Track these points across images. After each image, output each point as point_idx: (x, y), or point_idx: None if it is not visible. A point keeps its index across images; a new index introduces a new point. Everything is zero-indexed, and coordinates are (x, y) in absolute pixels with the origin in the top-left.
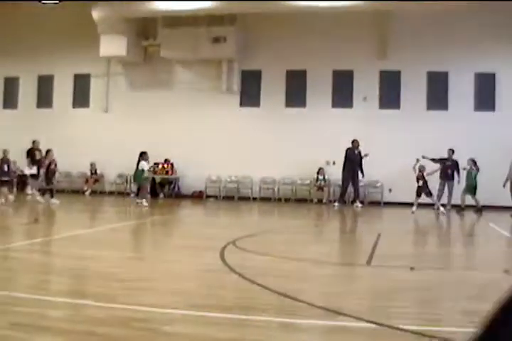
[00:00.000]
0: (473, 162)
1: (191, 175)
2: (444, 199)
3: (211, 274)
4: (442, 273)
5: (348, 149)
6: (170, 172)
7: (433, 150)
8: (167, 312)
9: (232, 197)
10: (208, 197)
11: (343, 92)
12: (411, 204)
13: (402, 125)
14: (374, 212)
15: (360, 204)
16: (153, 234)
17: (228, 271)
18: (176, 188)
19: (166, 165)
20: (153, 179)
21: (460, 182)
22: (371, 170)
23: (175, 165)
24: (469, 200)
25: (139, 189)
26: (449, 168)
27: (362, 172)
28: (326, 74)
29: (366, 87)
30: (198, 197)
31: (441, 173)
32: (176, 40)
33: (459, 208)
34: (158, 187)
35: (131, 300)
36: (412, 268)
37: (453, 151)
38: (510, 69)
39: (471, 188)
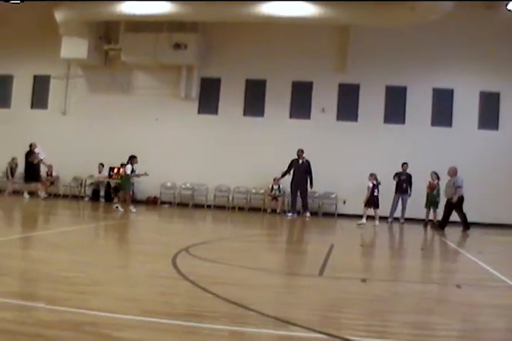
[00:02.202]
0: (436, 175)
1: (146, 181)
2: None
3: (163, 280)
4: (393, 285)
5: (294, 159)
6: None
7: (389, 163)
8: (118, 317)
9: (187, 204)
10: (163, 203)
11: (301, 103)
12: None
13: (359, 137)
14: (327, 223)
15: (308, 215)
16: (106, 238)
17: (180, 277)
18: (131, 193)
19: (121, 170)
20: (108, 183)
21: (411, 196)
22: (326, 182)
23: (124, 171)
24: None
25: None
26: (403, 181)
27: (311, 182)
28: (286, 85)
29: (325, 99)
30: (153, 202)
31: (396, 187)
32: (137, 45)
33: (432, 222)
34: (113, 191)
35: (82, 304)
36: (363, 280)
37: (407, 165)
38: (468, 84)
39: (434, 202)
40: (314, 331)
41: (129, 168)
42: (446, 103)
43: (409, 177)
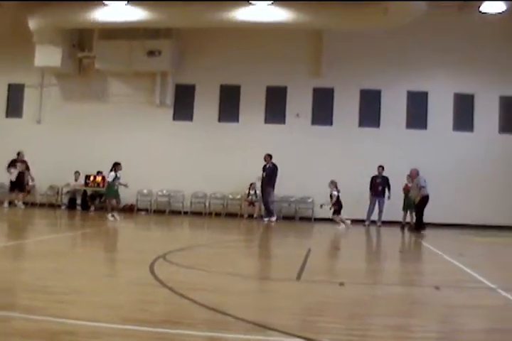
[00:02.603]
0: (412, 177)
1: (123, 188)
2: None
3: (141, 288)
4: (372, 288)
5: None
6: (101, 184)
7: (364, 166)
8: (96, 325)
9: (164, 210)
10: (139, 210)
11: (276, 108)
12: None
13: (334, 141)
14: (304, 228)
15: (267, 219)
16: (84, 246)
17: (158, 284)
18: (116, 201)
19: (97, 178)
20: (85, 191)
21: (390, 198)
22: (303, 186)
23: (106, 178)
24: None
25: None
26: (379, 184)
27: (272, 186)
28: (260, 90)
29: (299, 103)
30: (129, 210)
31: (371, 190)
32: (111, 53)
33: (409, 225)
34: (89, 199)
35: (60, 313)
36: (341, 284)
37: (383, 168)
38: (442, 87)
39: (411, 204)
40: (294, 335)
41: (112, 175)
42: (420, 105)
43: (385, 179)
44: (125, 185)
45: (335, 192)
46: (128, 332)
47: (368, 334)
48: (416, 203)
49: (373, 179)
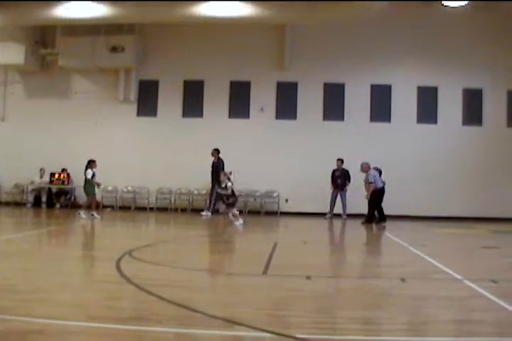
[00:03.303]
0: (378, 170)
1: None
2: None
3: (107, 285)
4: (338, 281)
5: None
6: (66, 182)
7: (329, 159)
8: (64, 323)
9: (129, 207)
10: (105, 207)
11: (240, 103)
12: (308, 214)
13: (299, 135)
14: (270, 222)
15: (204, 213)
16: (49, 244)
17: (124, 281)
18: (73, 198)
19: (62, 175)
20: (50, 189)
21: (347, 191)
22: (268, 180)
23: (71, 175)
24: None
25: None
26: (338, 177)
27: (217, 180)
28: (224, 85)
29: (263, 97)
30: (95, 207)
31: (332, 183)
32: (74, 49)
33: (374, 217)
34: (55, 197)
35: (27, 312)
36: (308, 278)
37: (342, 161)
38: (406, 81)
39: None
40: (262, 330)
41: (89, 172)
42: (384, 99)
43: (345, 172)
44: (98, 184)
45: (229, 184)
46: (96, 329)
47: (336, 327)
48: (367, 198)
49: (333, 172)
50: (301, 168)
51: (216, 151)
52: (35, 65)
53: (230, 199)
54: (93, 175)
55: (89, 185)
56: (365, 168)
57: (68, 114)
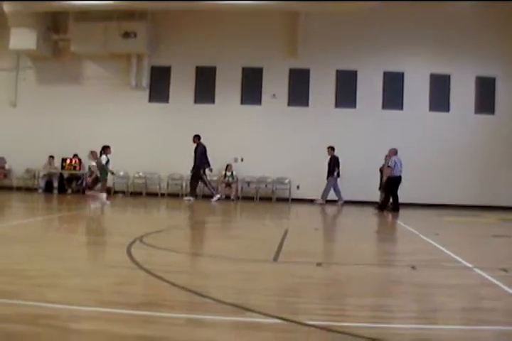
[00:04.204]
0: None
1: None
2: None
3: (118, 271)
4: (349, 268)
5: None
6: (78, 167)
7: (341, 146)
8: (74, 309)
9: (140, 192)
10: (116, 192)
11: (252, 89)
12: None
13: (311, 122)
14: (281, 209)
15: (187, 198)
16: (60, 230)
17: (136, 267)
18: (84, 184)
19: (74, 161)
20: (61, 174)
21: (340, 175)
22: (279, 167)
23: (83, 161)
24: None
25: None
26: (327, 165)
27: (204, 166)
28: (236, 71)
29: (275, 84)
30: (106, 192)
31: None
32: (86, 35)
33: (379, 205)
34: (66, 182)
35: (38, 297)
36: (319, 264)
37: (333, 148)
38: (419, 68)
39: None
40: (272, 316)
41: (104, 158)
42: (397, 86)
43: (335, 159)
44: (112, 172)
45: (93, 163)
46: (107, 315)
47: (346, 314)
48: (384, 183)
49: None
50: (313, 155)
51: (197, 137)
52: (47, 50)
53: (91, 178)
54: (107, 161)
55: (103, 170)
56: (391, 152)
57: (80, 99)
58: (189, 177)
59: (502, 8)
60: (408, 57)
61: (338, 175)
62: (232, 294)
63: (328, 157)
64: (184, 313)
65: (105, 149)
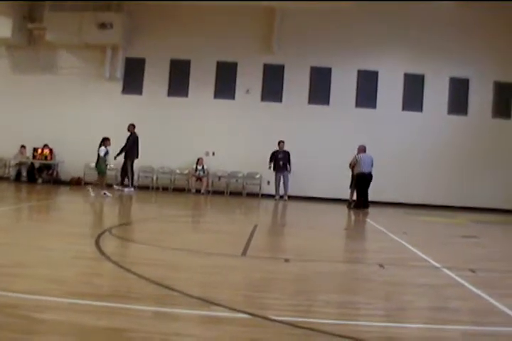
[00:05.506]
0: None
1: (70, 161)
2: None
3: (86, 262)
4: (317, 265)
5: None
6: (49, 157)
7: (312, 143)
8: (40, 299)
9: (111, 184)
10: (87, 183)
11: (226, 84)
12: (289, 197)
13: (283, 118)
14: (251, 204)
15: (117, 187)
16: (28, 220)
17: (103, 258)
18: (55, 174)
19: (45, 151)
20: (32, 164)
21: (291, 172)
22: (251, 162)
23: (54, 151)
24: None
25: None
26: (280, 159)
27: (133, 157)
28: (210, 65)
29: (250, 79)
30: (77, 183)
31: (274, 166)
32: (62, 24)
33: (348, 202)
34: (37, 172)
35: (4, 287)
36: (287, 260)
37: (283, 142)
38: (393, 67)
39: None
40: (238, 311)
41: (102, 150)
42: (370, 85)
43: (286, 154)
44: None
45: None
46: (73, 305)
47: (312, 310)
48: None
49: (274, 154)
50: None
51: (132, 126)
52: (22, 39)
53: None
54: (106, 153)
55: (102, 162)
56: (360, 149)
57: (53, 89)
58: (161, 170)
59: (477, 9)
60: (383, 57)
61: (285, 169)
62: (200, 288)
63: (273, 151)
64: (151, 306)
65: (105, 141)
